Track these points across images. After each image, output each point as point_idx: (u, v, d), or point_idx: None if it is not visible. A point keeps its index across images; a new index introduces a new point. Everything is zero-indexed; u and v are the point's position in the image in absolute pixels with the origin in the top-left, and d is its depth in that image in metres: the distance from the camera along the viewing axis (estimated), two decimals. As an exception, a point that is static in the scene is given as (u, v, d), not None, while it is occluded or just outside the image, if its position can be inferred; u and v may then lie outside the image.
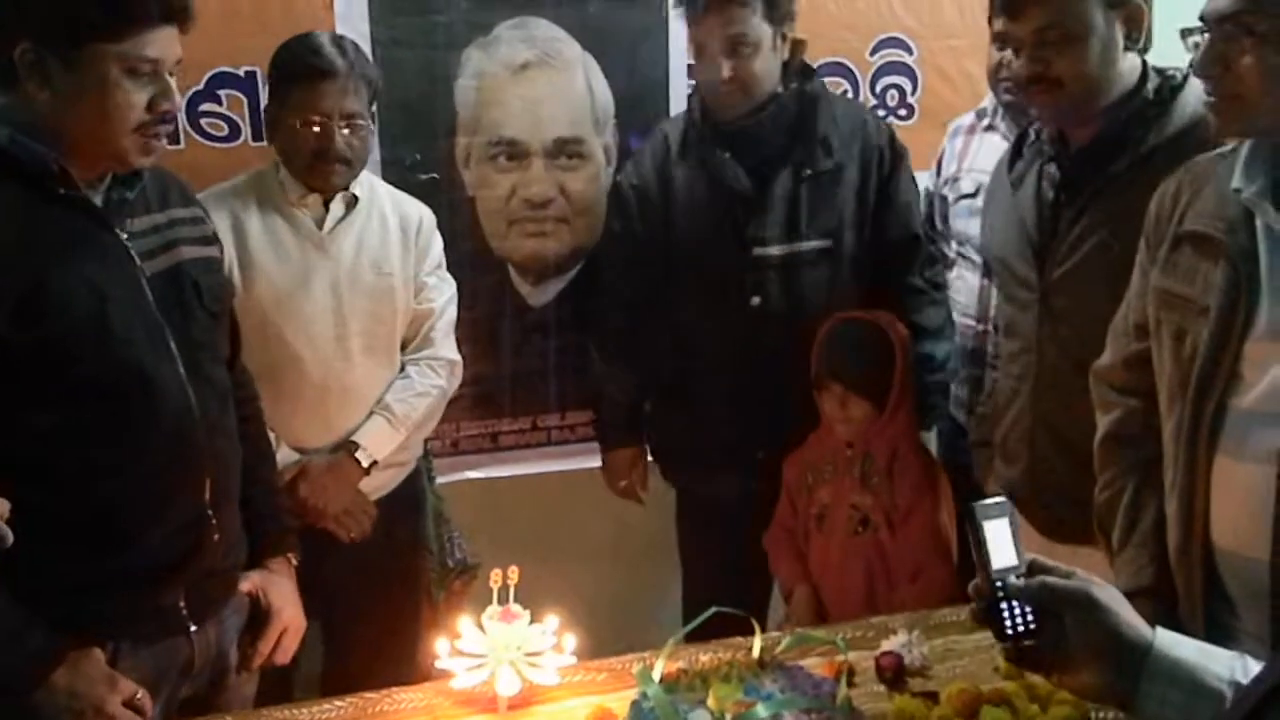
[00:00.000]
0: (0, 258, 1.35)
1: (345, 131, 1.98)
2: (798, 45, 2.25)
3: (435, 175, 2.54)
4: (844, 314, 2.21)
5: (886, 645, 1.67)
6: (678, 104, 2.65)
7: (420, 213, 2.23)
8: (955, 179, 2.45)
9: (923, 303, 2.33)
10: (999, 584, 1.05)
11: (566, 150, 2.62)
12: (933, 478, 2.19)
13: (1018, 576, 1.05)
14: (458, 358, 2.28)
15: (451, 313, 2.27)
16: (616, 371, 2.49)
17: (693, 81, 2.64)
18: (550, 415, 2.78)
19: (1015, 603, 1.04)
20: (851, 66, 2.73)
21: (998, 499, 1.11)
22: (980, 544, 1.08)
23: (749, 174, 2.23)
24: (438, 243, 2.25)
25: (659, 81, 2.65)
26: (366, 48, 2.43)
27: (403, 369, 2.19)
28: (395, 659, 2.29)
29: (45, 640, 1.43)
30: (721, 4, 2.11)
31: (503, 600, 1.65)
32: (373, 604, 2.21)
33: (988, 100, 2.46)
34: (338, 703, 1.65)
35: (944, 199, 2.50)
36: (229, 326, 1.72)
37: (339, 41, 2.01)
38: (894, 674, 1.60)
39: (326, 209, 2.06)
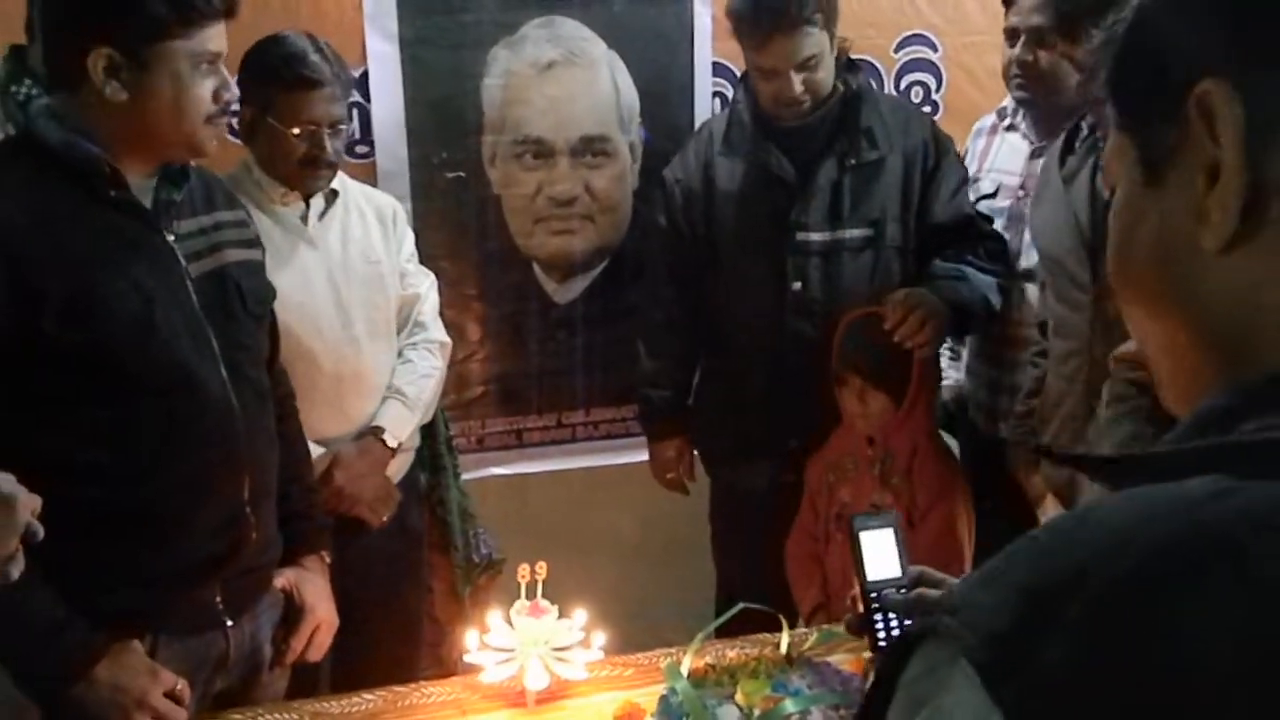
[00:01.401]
0: (51, 258, 1.38)
1: (332, 138, 2.00)
2: (843, 43, 2.25)
3: (462, 173, 2.56)
4: (862, 309, 2.21)
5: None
6: (703, 101, 2.66)
7: (392, 203, 2.26)
8: (975, 179, 2.45)
9: (983, 258, 2.27)
10: (874, 595, 1.06)
11: (592, 148, 2.63)
12: (953, 475, 2.19)
13: (899, 589, 1.06)
14: (448, 340, 2.31)
15: (435, 298, 2.29)
16: (662, 365, 2.50)
17: (719, 80, 2.66)
18: (575, 412, 2.80)
19: (891, 615, 1.05)
20: (876, 63, 2.73)
21: (883, 511, 1.11)
22: (857, 554, 1.09)
23: (792, 163, 2.24)
24: (410, 232, 2.28)
25: (684, 80, 2.65)
26: (395, 47, 2.46)
27: (400, 353, 2.21)
28: (412, 646, 2.33)
29: (87, 633, 1.46)
30: (792, 29, 2.10)
31: (530, 595, 1.67)
32: (388, 593, 2.23)
33: (1007, 99, 2.46)
34: (367, 696, 1.68)
35: (967, 183, 2.48)
36: (269, 328, 1.75)
37: (319, 47, 2.00)
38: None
39: (307, 205, 2.07)
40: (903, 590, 1.05)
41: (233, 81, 1.52)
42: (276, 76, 1.94)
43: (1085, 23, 1.81)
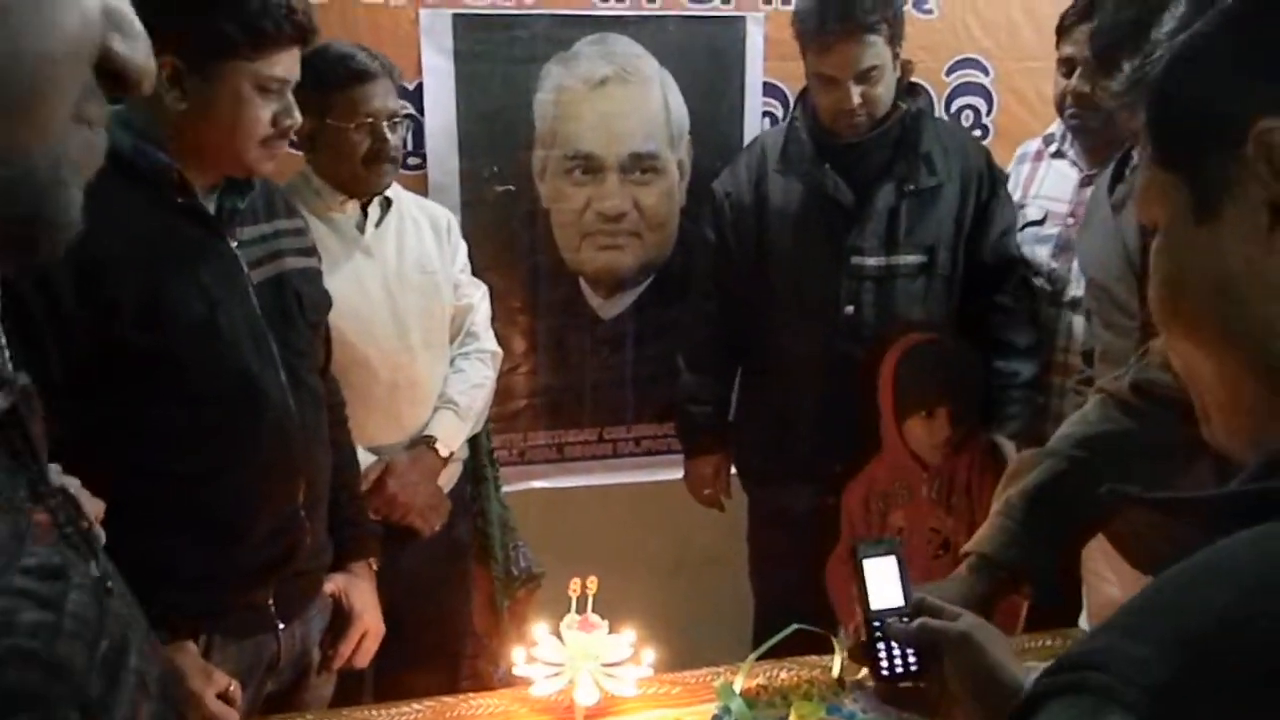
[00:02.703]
0: (122, 264, 1.40)
1: (392, 130, 2.02)
2: (906, 65, 2.26)
3: (512, 187, 2.58)
4: (914, 338, 2.19)
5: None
6: (752, 120, 2.67)
7: (446, 214, 2.27)
8: (1022, 205, 2.44)
9: (1014, 320, 2.31)
10: (877, 624, 1.05)
11: (641, 165, 2.64)
12: None
13: (902, 617, 1.05)
14: (500, 350, 2.32)
15: (486, 308, 2.31)
16: (703, 380, 2.50)
17: (769, 100, 2.67)
18: (617, 427, 2.80)
19: (894, 643, 1.04)
20: (927, 86, 2.73)
21: (887, 538, 1.10)
22: (860, 582, 1.08)
23: (850, 186, 2.24)
24: (463, 243, 2.29)
25: (735, 99, 2.66)
26: (449, 61, 2.49)
27: (453, 362, 2.23)
28: (454, 657, 2.33)
29: (144, 634, 1.46)
30: (855, 36, 2.11)
31: (581, 610, 1.66)
32: (434, 603, 2.23)
33: (1055, 126, 2.45)
34: (415, 706, 1.67)
35: (1015, 224, 2.48)
36: (324, 335, 1.76)
37: (363, 47, 2.04)
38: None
39: (364, 213, 2.09)
40: (905, 619, 1.04)
41: (296, 109, 1.52)
42: (330, 78, 1.96)
43: (1120, 58, 1.80)
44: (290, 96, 1.50)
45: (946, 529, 2.15)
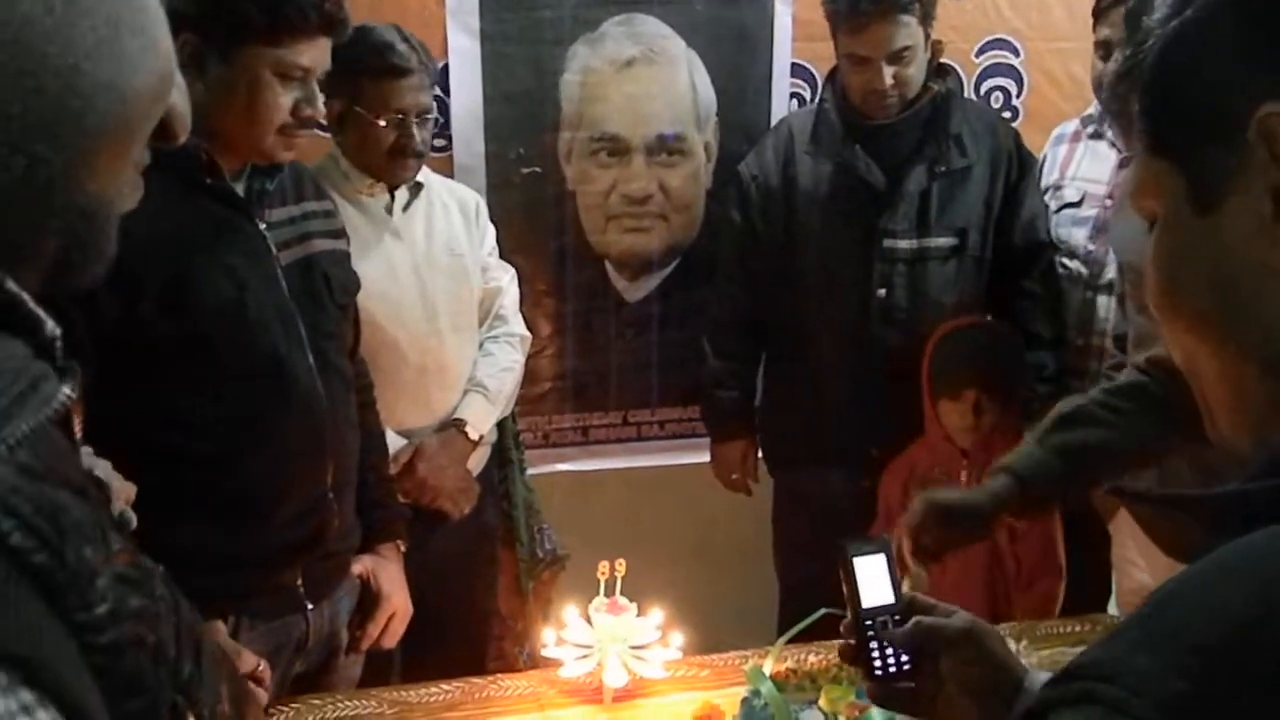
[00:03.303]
0: (149, 246, 1.38)
1: (420, 127, 2.00)
2: (937, 45, 2.24)
3: (538, 169, 2.57)
4: (958, 321, 2.18)
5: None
6: (780, 102, 2.64)
7: (474, 197, 2.26)
8: (1059, 187, 2.41)
9: (1041, 309, 2.29)
10: (869, 623, 1.03)
11: (667, 147, 2.62)
12: None
13: (894, 615, 1.03)
14: (529, 334, 2.32)
15: (515, 291, 2.30)
16: (730, 366, 2.48)
17: (797, 80, 2.65)
18: (642, 410, 2.79)
19: (886, 642, 1.02)
20: (957, 68, 2.70)
21: (876, 536, 1.08)
22: (851, 581, 1.06)
23: (881, 168, 2.22)
24: (491, 226, 2.28)
25: (762, 80, 2.64)
26: (475, 42, 2.47)
27: (481, 346, 2.22)
28: (482, 639, 2.34)
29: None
30: (888, 15, 2.09)
31: (610, 592, 1.66)
32: (462, 585, 2.24)
33: (1094, 107, 2.41)
34: (445, 686, 1.68)
35: (1046, 208, 2.45)
36: (352, 318, 1.76)
37: (406, 37, 2.02)
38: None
39: (391, 196, 2.08)
40: (896, 618, 1.03)
41: (320, 99, 1.50)
42: (365, 66, 1.94)
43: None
44: (314, 86, 1.48)
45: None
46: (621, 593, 1.66)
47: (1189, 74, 0.57)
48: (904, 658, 1.01)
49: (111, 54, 0.60)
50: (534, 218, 2.60)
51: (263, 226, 1.53)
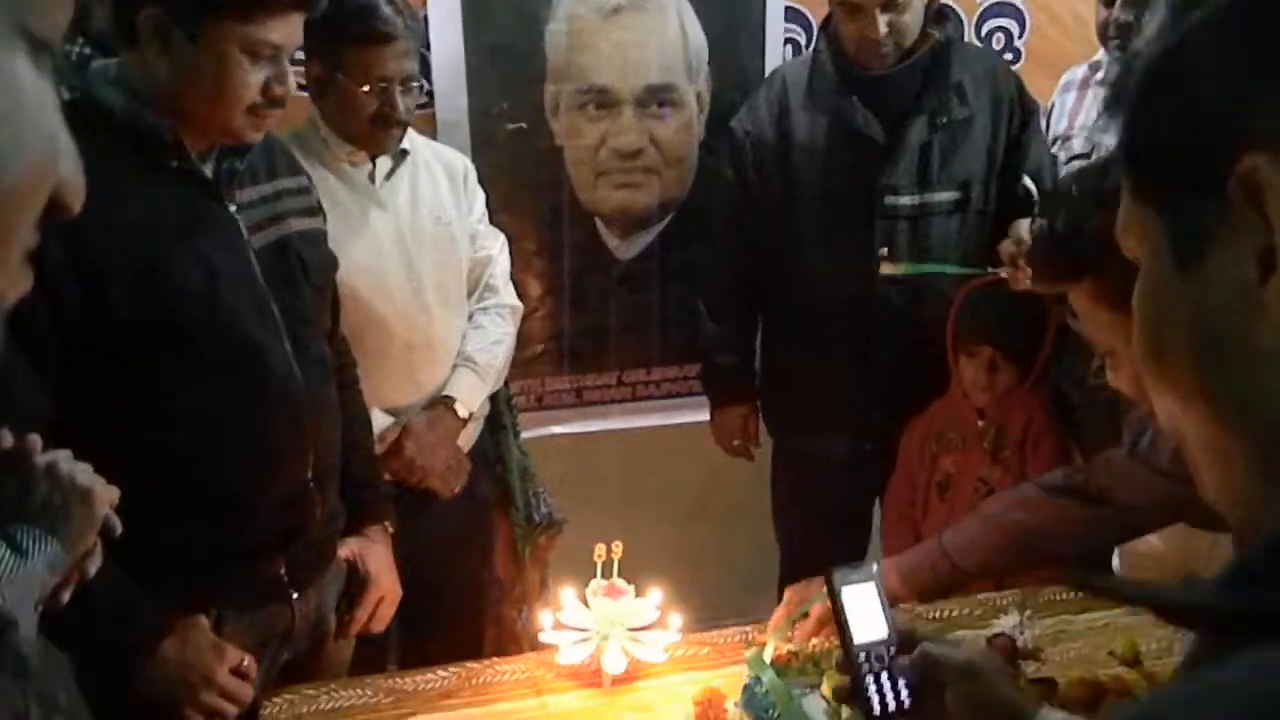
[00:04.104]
0: (113, 233, 1.31)
1: (404, 95, 1.91)
2: None
3: (523, 124, 2.47)
4: (987, 276, 2.12)
5: (998, 625, 1.62)
6: (774, 48, 2.55)
7: (463, 161, 2.17)
8: (1067, 137, 2.32)
9: None
10: (862, 658, 0.98)
11: (658, 98, 2.53)
12: (1067, 455, 2.11)
13: (889, 649, 0.98)
14: (520, 304, 2.25)
15: (505, 260, 2.23)
16: (727, 329, 2.41)
17: (791, 25, 2.54)
18: (637, 370, 2.73)
19: (884, 677, 0.97)
20: (956, 8, 2.59)
21: (863, 563, 1.03)
22: (841, 615, 1.00)
23: (880, 121, 2.13)
24: (481, 192, 2.20)
25: (755, 25, 2.54)
26: (458, -11, 2.36)
27: (471, 318, 2.15)
28: (479, 615, 2.30)
29: (154, 611, 1.42)
30: None
31: (607, 575, 1.62)
32: (457, 562, 2.20)
33: (1102, 53, 2.32)
34: (440, 673, 1.65)
35: (1054, 159, 2.37)
36: (330, 298, 1.69)
37: (392, 0, 1.91)
38: (1007, 658, 1.54)
39: (374, 163, 1.99)
40: (892, 651, 0.98)
41: (291, 77, 1.42)
42: (348, 31, 1.84)
43: None
44: (285, 64, 1.39)
45: (994, 480, 2.09)
46: (620, 559, 1.62)
47: (1167, 111, 0.50)
48: (904, 693, 0.96)
49: None
50: (521, 175, 2.51)
51: (233, 209, 1.46)
